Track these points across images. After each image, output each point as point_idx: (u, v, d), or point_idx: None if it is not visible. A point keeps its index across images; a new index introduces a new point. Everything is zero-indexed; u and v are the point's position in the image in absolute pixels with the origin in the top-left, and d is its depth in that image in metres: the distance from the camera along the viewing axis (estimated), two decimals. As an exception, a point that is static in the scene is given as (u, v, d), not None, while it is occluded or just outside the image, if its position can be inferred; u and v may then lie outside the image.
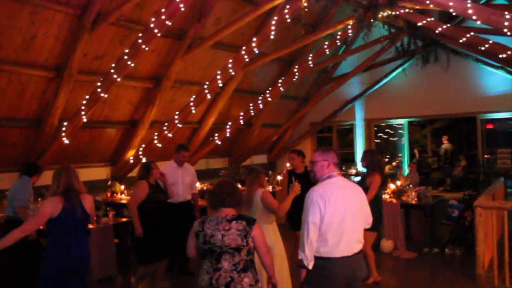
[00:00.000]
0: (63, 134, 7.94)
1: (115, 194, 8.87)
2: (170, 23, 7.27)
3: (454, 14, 8.76)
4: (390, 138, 18.26)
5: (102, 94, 7.74)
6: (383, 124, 15.74)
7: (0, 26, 6.66)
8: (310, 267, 3.55)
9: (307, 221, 3.52)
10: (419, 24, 9.23)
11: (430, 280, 6.43)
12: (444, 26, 8.92)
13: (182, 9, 7.03)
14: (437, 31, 9.29)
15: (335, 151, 3.75)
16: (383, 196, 7.69)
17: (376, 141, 15.42)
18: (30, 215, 4.19)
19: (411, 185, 8.20)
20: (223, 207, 3.53)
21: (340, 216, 3.52)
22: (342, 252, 3.54)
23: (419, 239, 8.26)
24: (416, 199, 7.96)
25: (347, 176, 12.60)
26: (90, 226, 6.25)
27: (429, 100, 12.29)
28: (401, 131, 14.47)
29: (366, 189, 6.24)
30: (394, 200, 7.80)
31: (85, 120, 7.96)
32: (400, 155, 14.99)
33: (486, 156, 12.85)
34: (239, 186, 9.65)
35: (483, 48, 9.07)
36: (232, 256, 3.41)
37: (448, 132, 16.66)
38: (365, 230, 6.16)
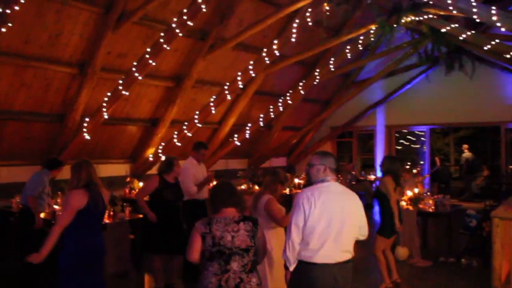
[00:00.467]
0: (85, 130, 8.10)
1: (133, 191, 8.99)
2: (191, 24, 7.37)
3: (478, 21, 8.62)
4: (412, 145, 18.04)
5: (124, 92, 7.88)
6: (405, 131, 15.58)
7: (28, 23, 6.86)
8: (291, 269, 3.56)
9: (290, 222, 3.53)
10: (443, 30, 9.12)
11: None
12: (469, 33, 8.80)
13: (204, 10, 7.11)
14: (461, 38, 9.17)
15: (333, 157, 3.72)
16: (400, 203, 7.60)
17: (397, 147, 15.27)
18: (62, 209, 4.26)
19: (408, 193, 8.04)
20: (225, 208, 3.52)
21: (325, 221, 3.46)
22: (324, 259, 3.45)
23: (435, 247, 8.14)
24: (433, 207, 7.85)
25: (366, 182, 12.52)
26: (107, 220, 6.40)
27: (452, 107, 12.12)
28: (423, 138, 14.29)
29: (382, 196, 6.22)
30: (410, 208, 7.71)
31: (106, 116, 8.12)
32: (421, 162, 14.79)
33: (510, 166, 12.58)
34: (256, 187, 9.78)
35: (508, 56, 8.91)
36: (242, 257, 3.42)
37: (472, 141, 16.40)
38: (378, 234, 6.13)
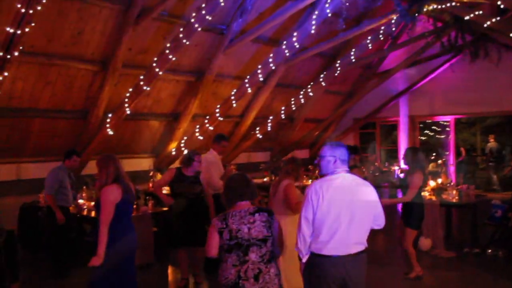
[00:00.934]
0: (108, 125, 8.26)
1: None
2: (210, 18, 7.41)
3: (502, 7, 8.43)
4: (437, 136, 17.76)
5: (145, 87, 7.99)
6: (429, 121, 15.34)
7: (51, 22, 7.00)
8: (304, 260, 3.58)
9: (300, 215, 3.54)
10: (467, 18, 8.94)
11: (468, 280, 6.27)
12: (493, 20, 8.61)
13: (222, 4, 7.14)
14: (485, 25, 8.97)
15: (345, 148, 3.70)
16: (423, 193, 7.53)
17: (422, 138, 15.06)
18: (101, 207, 4.36)
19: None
20: (240, 201, 3.56)
21: (334, 214, 3.44)
22: (333, 251, 3.44)
23: (459, 238, 8.04)
24: (457, 197, 7.74)
25: (390, 172, 12.39)
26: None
27: (478, 97, 11.85)
28: (448, 128, 14.05)
29: (407, 188, 6.18)
30: (433, 198, 7.62)
31: (128, 112, 8.25)
32: (446, 153, 14.56)
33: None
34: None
35: (534, 43, 8.69)
36: (259, 247, 3.46)
37: (500, 130, 16.02)
38: (406, 227, 6.10)
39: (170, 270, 6.93)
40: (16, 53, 6.37)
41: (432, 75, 12.51)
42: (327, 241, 3.46)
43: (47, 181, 6.50)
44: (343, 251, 3.47)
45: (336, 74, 11.05)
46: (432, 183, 7.85)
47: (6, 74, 6.53)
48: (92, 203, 6.99)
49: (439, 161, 14.48)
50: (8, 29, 6.12)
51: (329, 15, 8.66)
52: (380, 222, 3.68)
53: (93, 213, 6.93)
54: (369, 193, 3.62)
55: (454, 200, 7.70)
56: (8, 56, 6.31)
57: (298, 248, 3.58)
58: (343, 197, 3.50)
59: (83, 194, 7.49)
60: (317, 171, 10.60)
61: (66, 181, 6.54)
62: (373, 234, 3.88)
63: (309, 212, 3.49)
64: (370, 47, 10.58)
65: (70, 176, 6.72)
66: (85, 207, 7.24)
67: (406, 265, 6.37)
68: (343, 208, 3.47)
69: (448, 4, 8.21)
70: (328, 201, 3.46)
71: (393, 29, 10.03)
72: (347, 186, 3.56)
